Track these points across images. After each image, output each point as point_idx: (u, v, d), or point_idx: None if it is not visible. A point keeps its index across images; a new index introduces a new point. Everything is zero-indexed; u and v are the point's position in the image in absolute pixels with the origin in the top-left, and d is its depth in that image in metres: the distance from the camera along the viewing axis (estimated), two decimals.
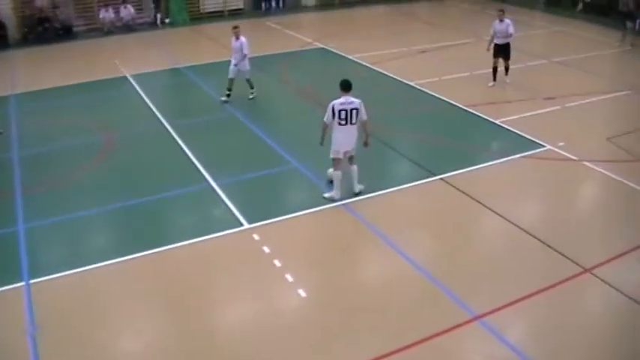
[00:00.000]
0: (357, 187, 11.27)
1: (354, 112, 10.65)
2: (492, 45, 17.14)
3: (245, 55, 15.77)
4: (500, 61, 17.19)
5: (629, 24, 21.93)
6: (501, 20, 16.90)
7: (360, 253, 10.03)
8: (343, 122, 10.64)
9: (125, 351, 7.92)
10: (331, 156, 10.96)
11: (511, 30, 16.81)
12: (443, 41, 22.54)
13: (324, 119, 10.75)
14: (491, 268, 9.35)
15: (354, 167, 11.14)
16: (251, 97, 16.37)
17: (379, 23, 26.55)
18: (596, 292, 8.84)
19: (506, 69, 17.34)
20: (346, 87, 10.71)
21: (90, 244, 10.33)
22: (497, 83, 17.28)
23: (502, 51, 17.11)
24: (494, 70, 17.31)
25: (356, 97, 10.61)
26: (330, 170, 11.22)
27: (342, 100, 10.62)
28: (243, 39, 15.75)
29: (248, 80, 16.35)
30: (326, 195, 11.21)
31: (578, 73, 18.88)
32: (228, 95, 16.09)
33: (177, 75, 18.62)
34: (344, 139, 10.77)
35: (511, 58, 17.13)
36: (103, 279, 9.18)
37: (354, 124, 10.75)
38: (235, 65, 15.92)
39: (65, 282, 9.06)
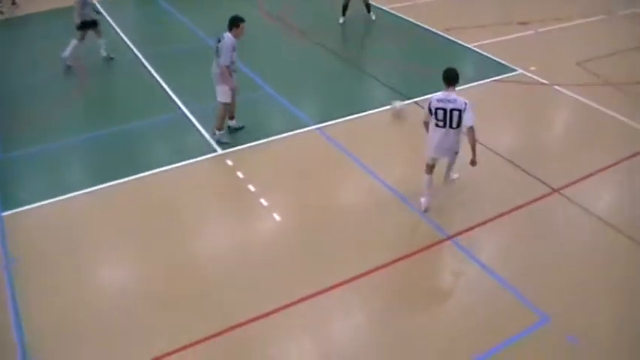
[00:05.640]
0: (453, 175, 9.39)
1: (455, 113, 8.16)
2: None
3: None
4: None
5: None
6: None
7: (333, 175, 10.05)
8: (441, 124, 8.29)
9: (103, 278, 7.98)
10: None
11: None
12: None
13: (423, 117, 8.66)
14: (464, 191, 9.49)
15: (454, 175, 9.41)
16: None
17: None
18: (564, 210, 9.07)
19: (367, 6, 16.36)
20: (449, 79, 8.28)
21: (64, 173, 10.27)
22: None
23: None
24: (344, 7, 16.08)
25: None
26: None
27: (440, 95, 8.24)
28: None
29: None
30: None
31: None
32: None
33: (148, 3, 18.21)
34: (438, 143, 8.46)
35: None
36: (78, 208, 9.17)
37: (455, 128, 8.33)
38: None
39: (40, 213, 9.03)
